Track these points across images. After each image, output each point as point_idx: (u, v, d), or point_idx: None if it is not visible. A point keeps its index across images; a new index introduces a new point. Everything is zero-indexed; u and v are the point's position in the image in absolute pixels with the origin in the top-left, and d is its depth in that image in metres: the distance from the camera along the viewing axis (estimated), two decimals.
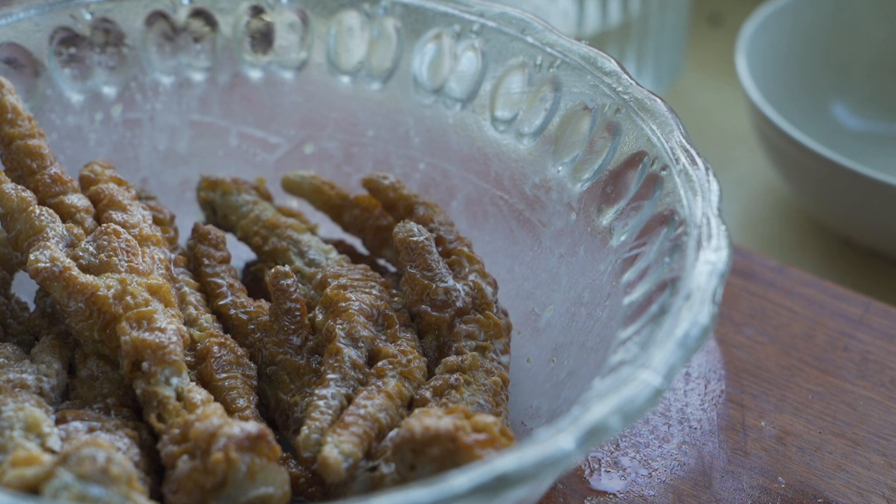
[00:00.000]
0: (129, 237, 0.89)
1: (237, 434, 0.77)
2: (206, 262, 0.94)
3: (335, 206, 0.98)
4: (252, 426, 0.78)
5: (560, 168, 0.94)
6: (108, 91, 1.01)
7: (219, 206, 0.99)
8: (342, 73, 1.02)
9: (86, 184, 0.94)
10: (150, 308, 0.84)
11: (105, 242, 0.88)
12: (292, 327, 0.89)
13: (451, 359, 0.88)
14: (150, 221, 0.92)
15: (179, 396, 0.82)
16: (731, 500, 0.90)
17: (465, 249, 0.93)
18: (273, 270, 0.90)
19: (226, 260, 0.95)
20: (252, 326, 0.90)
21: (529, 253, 0.97)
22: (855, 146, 1.32)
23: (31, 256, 0.85)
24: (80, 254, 0.87)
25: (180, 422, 0.80)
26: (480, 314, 0.91)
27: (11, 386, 0.82)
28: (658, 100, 0.90)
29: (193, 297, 0.91)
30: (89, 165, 0.95)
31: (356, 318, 0.88)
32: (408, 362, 0.87)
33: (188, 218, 0.99)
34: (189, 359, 0.87)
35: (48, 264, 0.85)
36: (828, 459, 0.94)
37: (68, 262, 0.85)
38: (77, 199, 0.91)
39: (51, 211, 0.89)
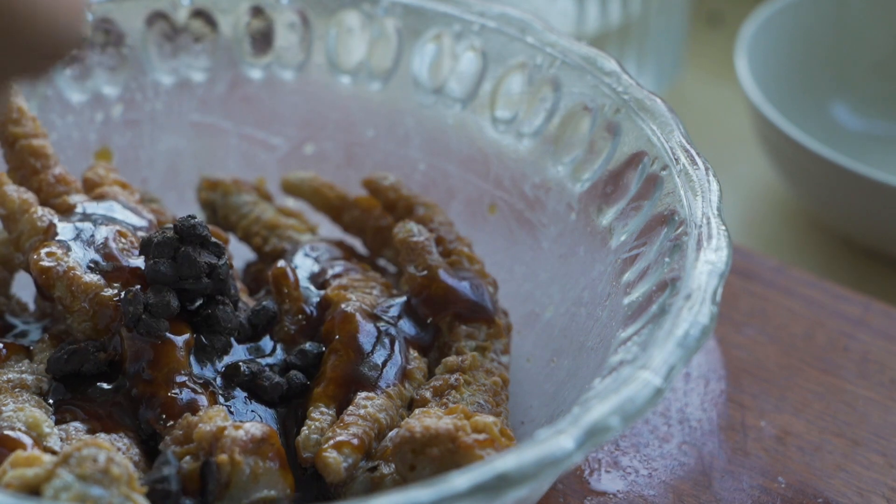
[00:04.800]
0: (133, 239, 0.89)
1: (241, 436, 0.78)
2: None
3: (335, 207, 0.98)
4: (256, 428, 0.78)
5: (560, 168, 0.94)
6: (109, 91, 1.01)
7: (219, 207, 0.99)
8: (342, 73, 1.03)
9: (90, 186, 0.94)
10: None
11: None
12: (293, 327, 0.89)
13: (451, 359, 0.88)
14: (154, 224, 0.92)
15: None
16: (731, 500, 0.90)
17: (465, 249, 0.93)
18: (273, 269, 0.90)
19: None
20: None
21: (529, 253, 0.97)
22: (855, 146, 1.32)
23: (35, 256, 0.85)
24: None
25: (183, 423, 0.80)
26: None
27: (11, 386, 0.82)
28: (658, 100, 0.90)
29: None
30: (93, 168, 0.96)
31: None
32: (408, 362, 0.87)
33: None
34: None
35: (52, 263, 0.85)
36: (828, 459, 0.94)
37: (72, 261, 0.85)
38: (80, 200, 0.91)
39: (52, 211, 0.89)
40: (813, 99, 1.34)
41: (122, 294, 0.84)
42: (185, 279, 0.84)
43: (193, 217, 0.85)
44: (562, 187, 0.94)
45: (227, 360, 0.86)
